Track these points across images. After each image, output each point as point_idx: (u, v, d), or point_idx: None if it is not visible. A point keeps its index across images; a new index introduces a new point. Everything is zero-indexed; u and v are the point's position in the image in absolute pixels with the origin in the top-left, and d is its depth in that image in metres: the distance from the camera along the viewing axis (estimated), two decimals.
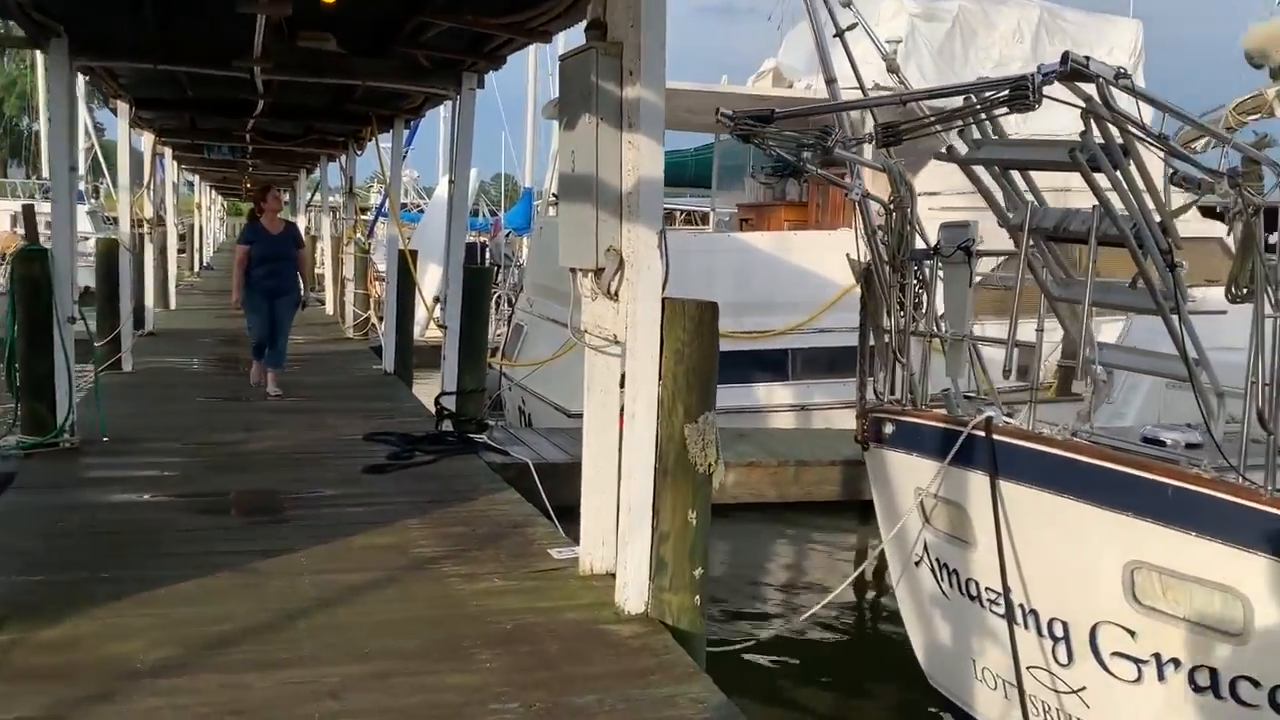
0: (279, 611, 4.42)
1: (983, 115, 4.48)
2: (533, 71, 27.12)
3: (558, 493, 7.47)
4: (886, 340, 5.75)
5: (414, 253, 11.25)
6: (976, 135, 5.06)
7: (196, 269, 29.19)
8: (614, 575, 4.88)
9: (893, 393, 5.90)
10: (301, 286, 9.80)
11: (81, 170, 34.90)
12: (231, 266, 10.37)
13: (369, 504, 6.22)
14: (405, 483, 6.79)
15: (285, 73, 7.80)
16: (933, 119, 4.65)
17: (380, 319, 15.87)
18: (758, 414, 10.91)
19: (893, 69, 6.52)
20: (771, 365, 11.05)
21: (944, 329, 5.51)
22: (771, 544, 9.71)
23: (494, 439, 8.04)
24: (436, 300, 13.89)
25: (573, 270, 4.93)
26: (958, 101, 4.47)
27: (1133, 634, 4.31)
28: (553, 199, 14.57)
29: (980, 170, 5.50)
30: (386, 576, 4.91)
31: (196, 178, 27.96)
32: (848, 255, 5.95)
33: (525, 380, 11.57)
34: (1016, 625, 4.77)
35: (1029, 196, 5.36)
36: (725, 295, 10.70)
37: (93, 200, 38.86)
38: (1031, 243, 5.00)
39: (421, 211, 31.14)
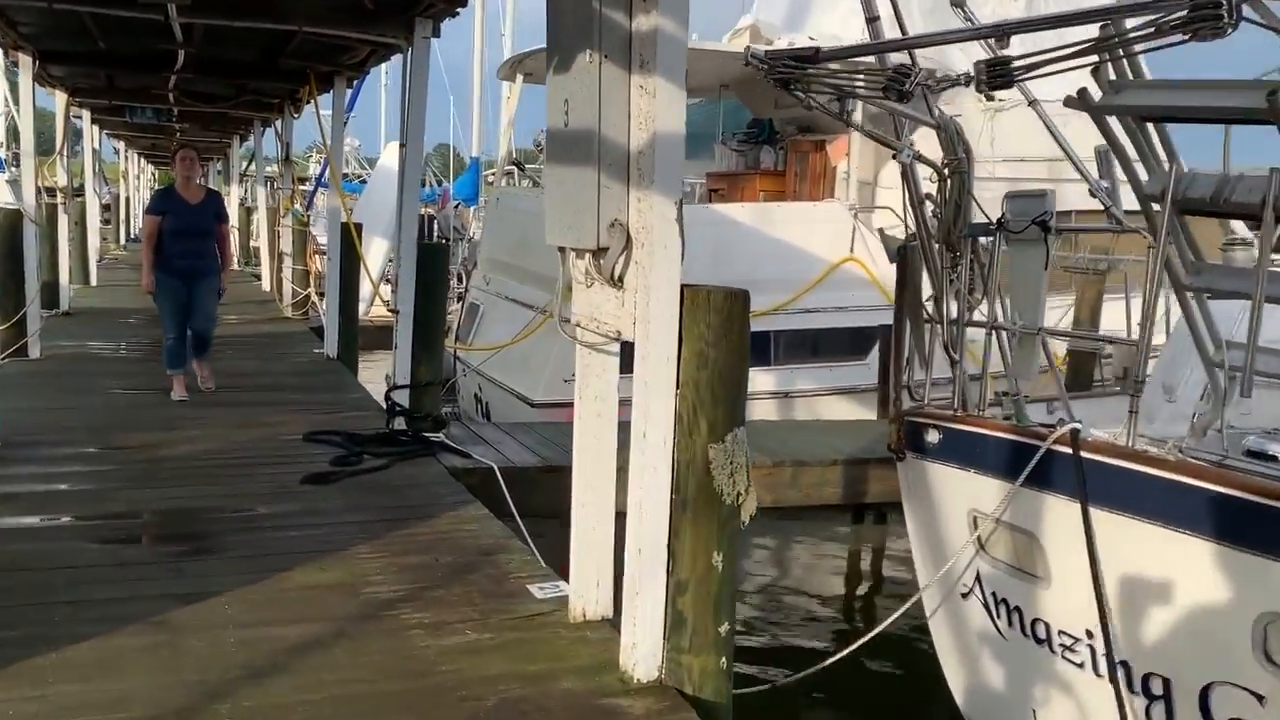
0: (196, 687, 3.46)
1: (1137, 46, 3.50)
2: (479, 34, 25.90)
3: (527, 501, 6.57)
4: (931, 330, 4.89)
5: (358, 226, 10.19)
6: (1112, 76, 4.09)
7: (123, 242, 27.57)
8: (611, 622, 4.01)
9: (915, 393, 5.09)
10: (223, 272, 8.32)
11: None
12: None
13: (310, 526, 5.25)
14: (353, 495, 5.82)
15: (206, 14, 6.71)
16: (1065, 52, 3.66)
17: (321, 295, 14.77)
18: None
19: (958, 3, 5.47)
20: (755, 349, 10.16)
21: (1008, 319, 4.64)
22: (773, 556, 8.90)
23: (452, 438, 7.08)
24: (386, 281, 12.87)
25: (561, 250, 3.99)
26: (1077, 34, 3.57)
27: (1261, 699, 3.52)
28: (508, 170, 13.62)
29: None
30: (333, 630, 3.97)
31: (122, 144, 26.33)
32: (881, 231, 5.08)
33: (483, 366, 10.60)
34: (1099, 676, 3.97)
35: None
36: (700, 274, 9.88)
37: (13, 169, 36.78)
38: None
39: (363, 182, 29.78)
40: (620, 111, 3.49)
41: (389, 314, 12.60)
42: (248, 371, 9.67)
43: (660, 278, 3.47)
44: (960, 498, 4.54)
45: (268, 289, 17.04)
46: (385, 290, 15.22)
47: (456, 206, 20.88)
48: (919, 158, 4.78)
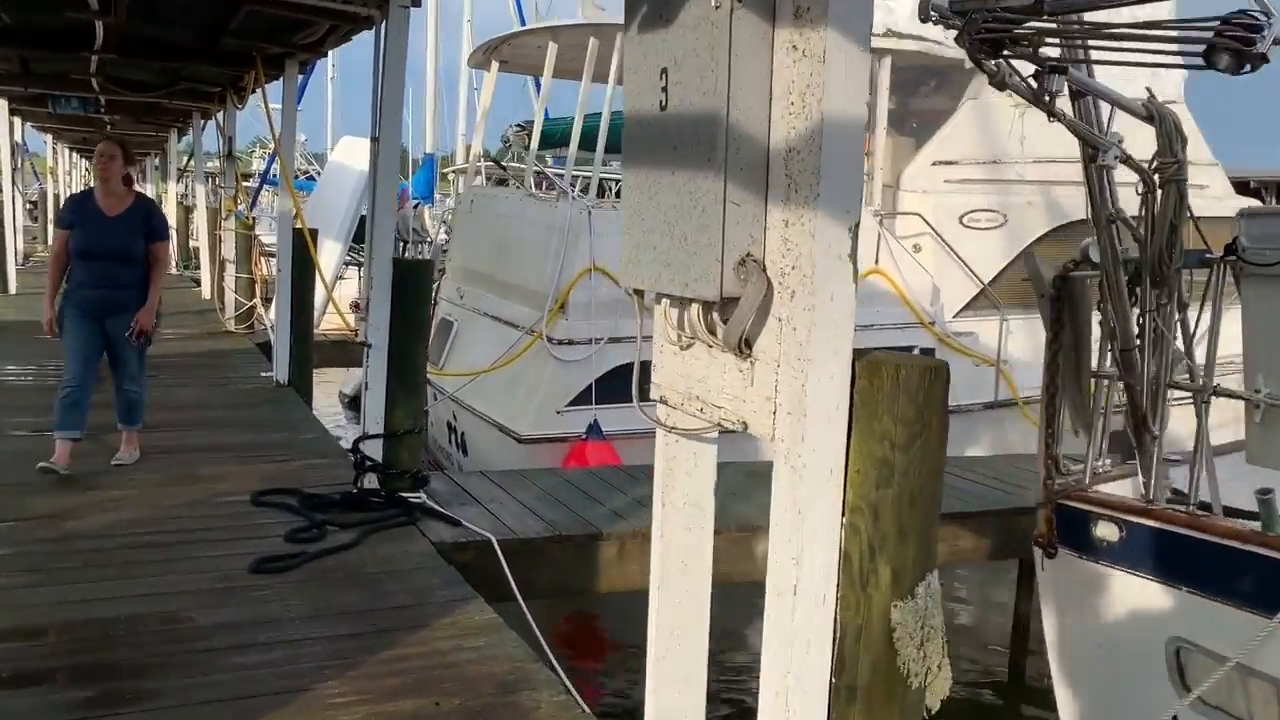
0: None
1: None
2: (433, 22, 24.46)
3: (533, 579, 5.33)
4: (1105, 390, 3.69)
5: (313, 232, 8.83)
6: None
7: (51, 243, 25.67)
8: None
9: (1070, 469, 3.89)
10: (154, 307, 6.13)
11: None
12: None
13: (262, 645, 3.93)
14: (316, 590, 4.51)
15: None
16: None
17: (268, 301, 13.32)
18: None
19: None
20: None
21: (1249, 382, 3.46)
22: None
23: (436, 497, 5.79)
24: (357, 305, 11.52)
25: (636, 292, 2.73)
26: None
27: None
28: (482, 166, 12.28)
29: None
30: None
31: (50, 137, 24.48)
32: (1030, 256, 3.88)
33: (459, 392, 9.28)
34: None
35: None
36: None
37: None
38: None
39: (311, 179, 28.12)
40: (758, 86, 2.24)
41: (348, 331, 11.25)
42: (183, 403, 8.25)
43: (822, 345, 2.23)
44: (1154, 621, 3.37)
45: (208, 297, 15.51)
46: (342, 302, 13.82)
47: (416, 206, 19.42)
48: (1126, 160, 3.56)
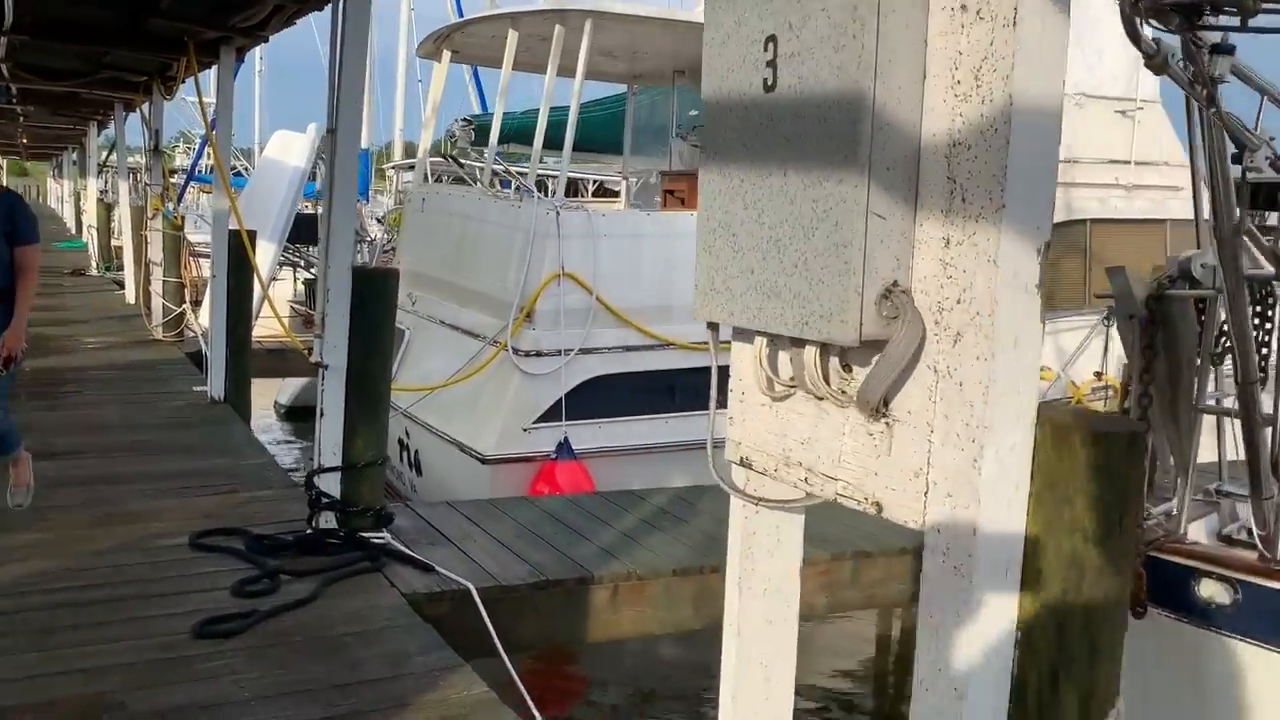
0: None
1: None
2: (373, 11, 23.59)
3: (514, 630, 4.73)
4: (1211, 426, 3.19)
5: (251, 234, 8.07)
6: None
7: None
8: None
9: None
10: (21, 328, 5.16)
11: None
12: None
13: None
14: (274, 662, 3.84)
15: None
16: None
17: (198, 304, 12.44)
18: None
19: None
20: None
21: None
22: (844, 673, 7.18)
23: (401, 536, 5.14)
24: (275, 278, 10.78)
25: (712, 327, 2.15)
26: None
27: None
28: (435, 161, 11.55)
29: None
30: None
31: None
32: (1119, 270, 3.38)
33: (413, 407, 8.58)
34: None
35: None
36: (684, 290, 8.13)
37: None
38: None
39: (240, 175, 26.99)
40: (912, 58, 1.67)
41: (287, 338, 10.45)
42: (106, 424, 7.45)
43: (1003, 406, 1.66)
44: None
45: (132, 301, 14.53)
46: (279, 305, 12.97)
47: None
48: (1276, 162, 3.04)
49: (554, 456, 7.67)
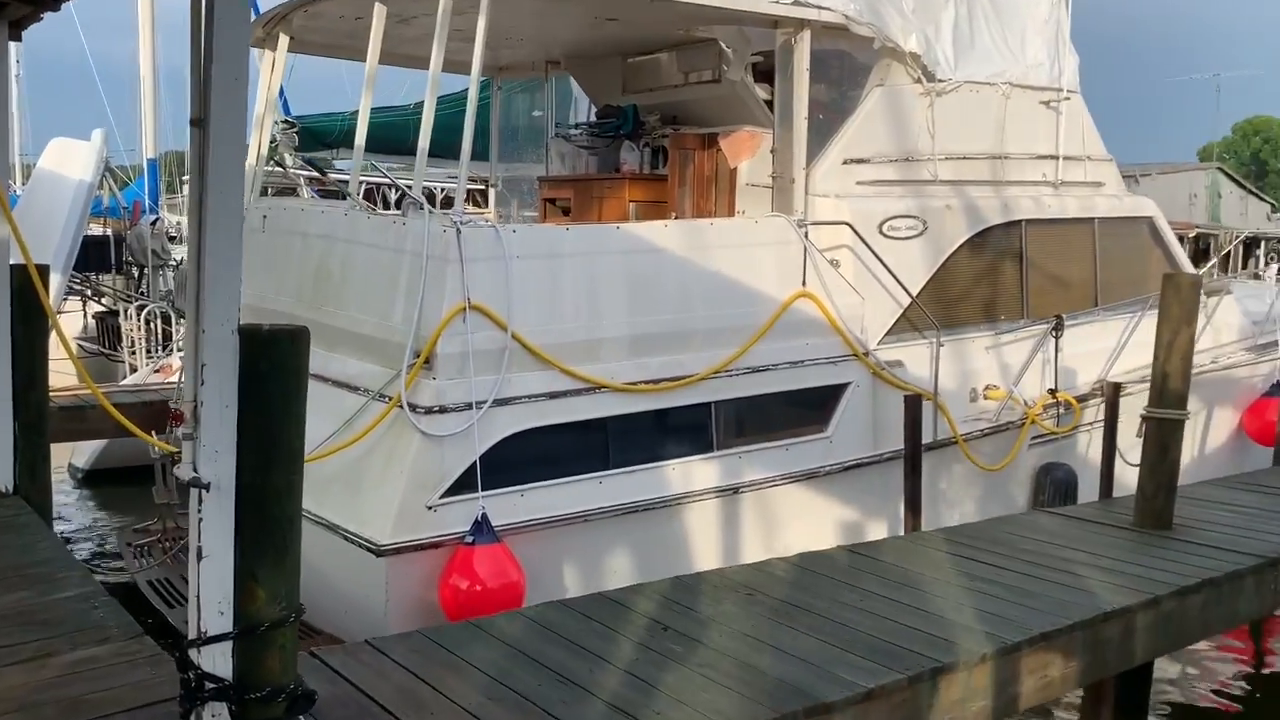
0: None
1: None
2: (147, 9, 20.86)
3: None
4: None
5: (43, 268, 6.06)
6: None
7: None
8: None
9: None
10: None
11: None
12: None
13: None
14: None
15: None
16: None
17: None
18: (671, 507, 6.89)
19: None
20: (688, 430, 7.05)
21: None
22: None
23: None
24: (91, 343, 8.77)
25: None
26: None
27: None
28: (295, 167, 9.58)
29: None
30: None
31: None
32: None
33: None
34: None
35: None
36: (616, 323, 6.65)
37: None
38: None
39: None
40: None
41: (86, 390, 8.40)
42: None
43: None
44: None
45: None
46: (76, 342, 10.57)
47: (155, 222, 15.93)
48: None
49: (470, 539, 6.03)
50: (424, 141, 6.60)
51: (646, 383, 6.78)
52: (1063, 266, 9.46)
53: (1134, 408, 9.24)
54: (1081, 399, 8.92)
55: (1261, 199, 53.41)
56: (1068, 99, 9.46)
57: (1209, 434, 10.54)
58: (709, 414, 7.08)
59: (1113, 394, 8.28)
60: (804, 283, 7.49)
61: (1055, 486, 8.65)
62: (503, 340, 6.33)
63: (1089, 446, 9.20)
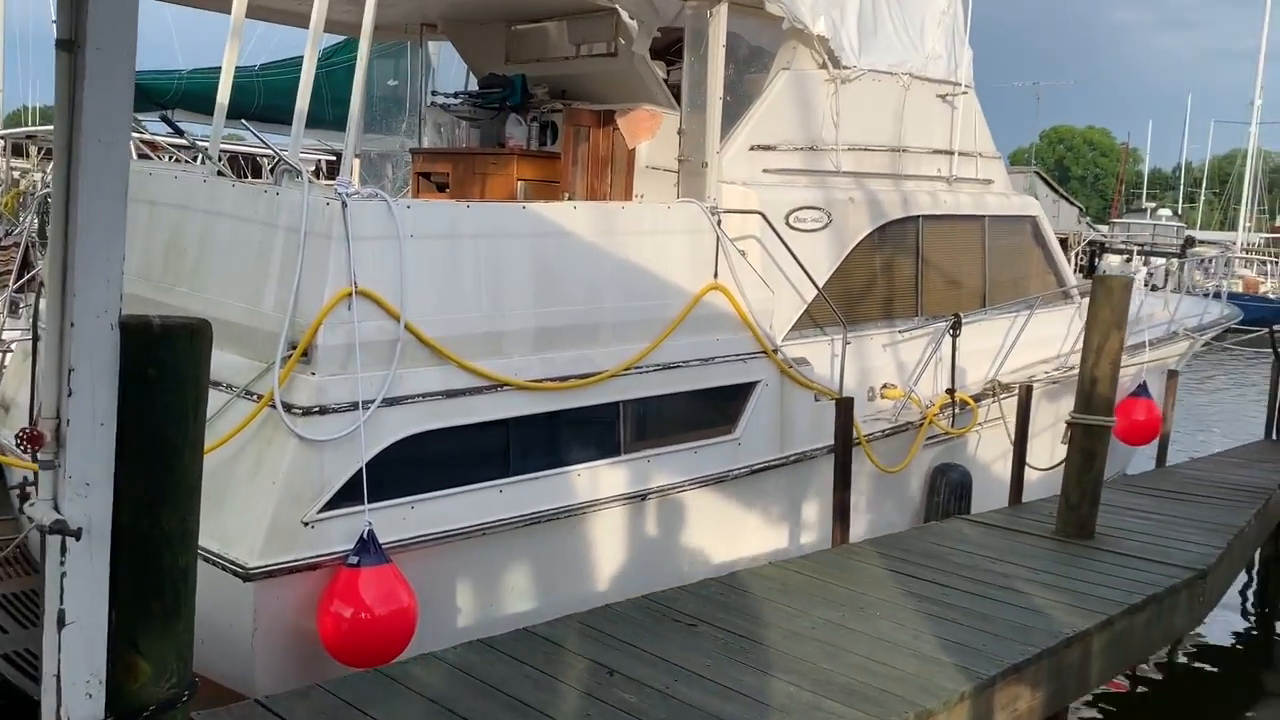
0: None
1: None
2: None
3: None
4: None
5: None
6: None
7: None
8: None
9: None
10: None
11: None
12: None
13: None
14: None
15: None
16: None
17: None
18: (576, 516, 6.27)
19: None
20: (595, 431, 6.44)
21: None
22: None
23: None
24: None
25: None
26: None
27: None
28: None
29: None
30: None
31: None
32: None
33: None
34: None
35: None
36: (521, 313, 5.99)
37: None
38: None
39: None
40: None
41: None
42: None
43: None
44: None
45: None
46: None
47: None
48: None
49: (354, 560, 5.25)
50: (303, 102, 5.73)
51: (553, 380, 6.13)
52: (955, 264, 9.32)
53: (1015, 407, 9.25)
54: (977, 399, 8.78)
55: (1071, 203, 56.86)
56: (965, 93, 9.30)
57: None
58: (616, 414, 6.49)
59: (1025, 396, 8.14)
60: (716, 274, 6.98)
61: (950, 488, 8.47)
62: (394, 331, 5.55)
63: (979, 446, 9.09)
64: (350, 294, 5.40)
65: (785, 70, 8.05)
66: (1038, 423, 9.46)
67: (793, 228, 7.76)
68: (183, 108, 12.35)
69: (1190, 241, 25.89)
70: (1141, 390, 10.80)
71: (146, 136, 11.87)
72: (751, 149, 7.74)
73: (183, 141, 13.15)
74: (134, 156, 12.55)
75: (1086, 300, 10.68)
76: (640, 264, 6.59)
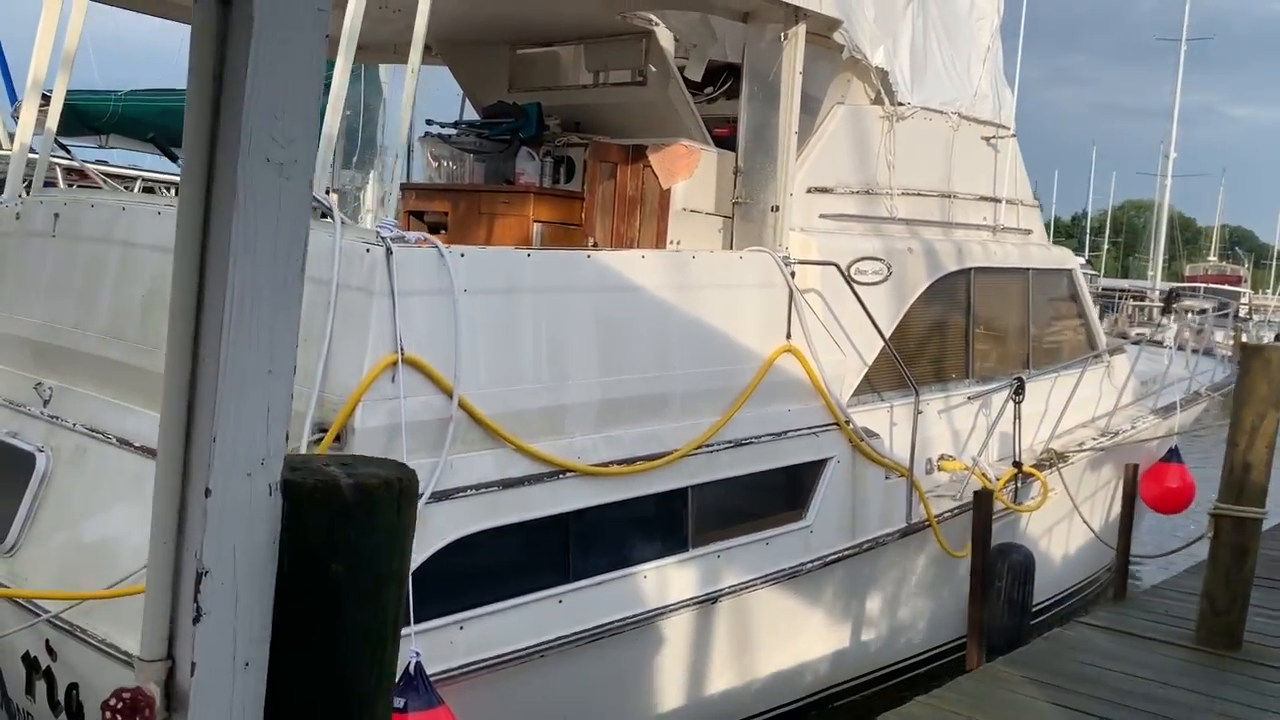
0: None
1: None
2: None
3: None
4: None
5: None
6: None
7: None
8: None
9: None
10: None
11: None
12: None
13: None
14: None
15: None
16: None
17: None
18: (643, 627, 5.21)
19: None
20: (661, 522, 5.40)
21: None
22: None
23: None
24: None
25: None
26: None
27: None
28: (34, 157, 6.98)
29: None
30: None
31: None
32: None
33: (71, 611, 4.46)
34: None
35: None
36: (584, 380, 4.97)
37: None
38: None
39: None
40: None
41: None
42: None
43: None
44: None
45: None
46: None
47: None
48: None
49: (399, 703, 4.12)
50: (331, 125, 4.64)
51: (619, 462, 5.09)
52: (1003, 321, 8.55)
53: (1072, 477, 8.51)
54: (1039, 470, 7.97)
55: None
56: (1014, 136, 8.59)
57: (1110, 502, 9.97)
58: (684, 501, 5.47)
59: (1130, 480, 7.34)
60: (789, 334, 6.04)
61: (1014, 572, 7.60)
62: (445, 408, 4.47)
63: (1032, 522, 8.28)
64: (395, 363, 4.31)
65: (840, 104, 7.21)
66: (1080, 491, 8.74)
67: (855, 280, 6.88)
68: (117, 132, 10.98)
69: (1174, 295, 25.88)
70: (1173, 455, 10.16)
71: (73, 162, 10.54)
72: (809, 191, 6.85)
73: (120, 170, 11.77)
74: (61, 185, 11.18)
75: (1116, 359, 10.12)
76: (711, 323, 5.62)
